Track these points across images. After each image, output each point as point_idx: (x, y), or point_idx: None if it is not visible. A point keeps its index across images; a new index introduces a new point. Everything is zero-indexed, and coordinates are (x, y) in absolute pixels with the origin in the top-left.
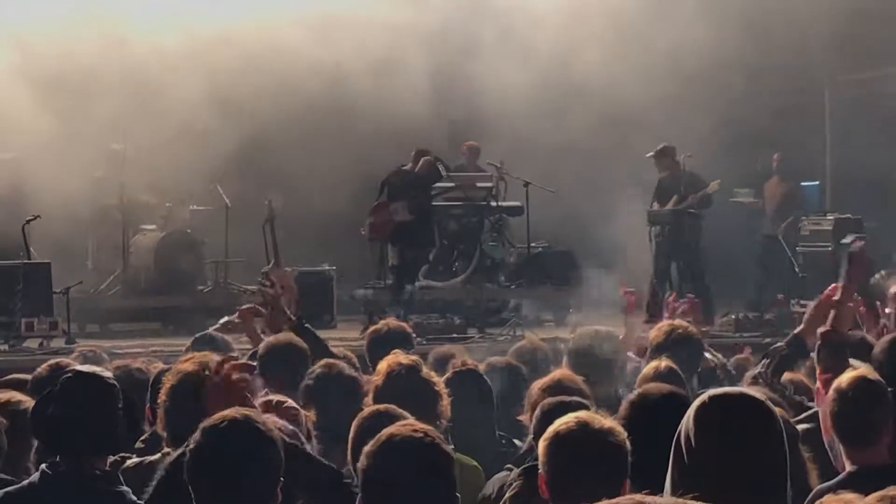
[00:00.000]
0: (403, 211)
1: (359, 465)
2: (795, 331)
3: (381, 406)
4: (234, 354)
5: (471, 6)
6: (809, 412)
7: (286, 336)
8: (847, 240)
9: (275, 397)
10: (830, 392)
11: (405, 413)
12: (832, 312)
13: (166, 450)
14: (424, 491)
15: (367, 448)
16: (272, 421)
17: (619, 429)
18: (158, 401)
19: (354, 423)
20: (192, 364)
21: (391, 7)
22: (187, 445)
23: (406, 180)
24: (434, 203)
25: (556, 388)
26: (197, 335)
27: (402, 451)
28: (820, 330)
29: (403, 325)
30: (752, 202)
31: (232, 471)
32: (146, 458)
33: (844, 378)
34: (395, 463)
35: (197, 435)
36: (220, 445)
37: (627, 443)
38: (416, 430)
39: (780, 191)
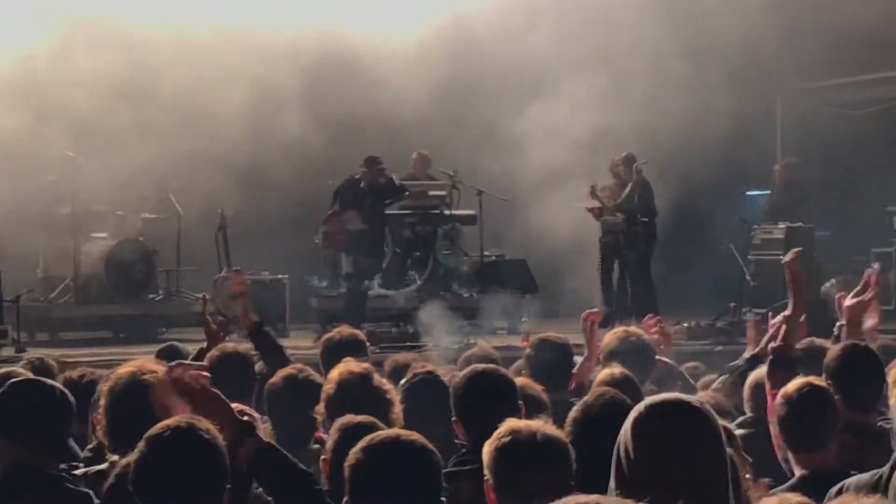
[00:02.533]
0: (356, 220)
1: (347, 464)
2: (754, 351)
3: (362, 418)
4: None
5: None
6: (745, 417)
7: (231, 346)
8: (788, 258)
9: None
10: (778, 398)
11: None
12: (783, 328)
13: (113, 458)
14: (415, 493)
15: (358, 447)
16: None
17: (562, 435)
18: (99, 408)
19: (336, 430)
20: (131, 369)
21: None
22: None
23: (359, 189)
24: (388, 212)
25: None
26: (161, 347)
27: (395, 452)
28: (771, 345)
29: (357, 332)
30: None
31: (176, 480)
32: (93, 467)
33: (792, 385)
34: (388, 464)
35: (141, 444)
36: (164, 454)
37: (571, 449)
38: (407, 435)
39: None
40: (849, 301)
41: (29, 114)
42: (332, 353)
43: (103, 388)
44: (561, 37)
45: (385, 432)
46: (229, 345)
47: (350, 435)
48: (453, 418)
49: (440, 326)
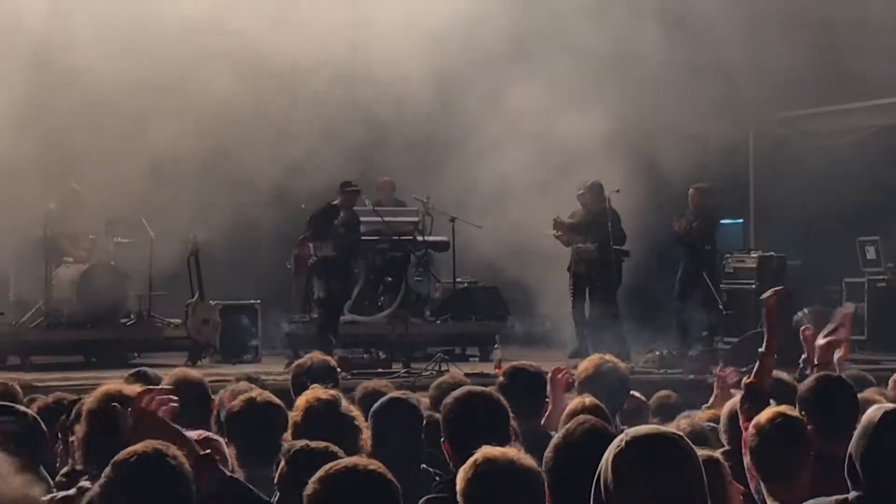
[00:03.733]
0: (326, 246)
1: (305, 495)
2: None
3: (317, 443)
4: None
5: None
6: (724, 450)
7: (181, 372)
8: (766, 295)
9: (194, 432)
10: (750, 428)
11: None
12: (757, 363)
13: (82, 483)
14: None
15: (316, 477)
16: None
17: (533, 462)
18: (75, 433)
19: (286, 459)
20: (110, 393)
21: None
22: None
23: (334, 214)
24: (361, 238)
25: None
26: (132, 372)
27: (353, 482)
28: (744, 380)
29: (328, 359)
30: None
31: None
32: (61, 493)
33: (764, 415)
34: (346, 495)
35: (108, 469)
36: (130, 480)
37: (543, 476)
38: (365, 464)
39: None
40: (821, 340)
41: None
42: (303, 380)
43: (82, 410)
44: (526, 59)
45: (343, 461)
46: (179, 371)
47: (301, 460)
48: (442, 439)
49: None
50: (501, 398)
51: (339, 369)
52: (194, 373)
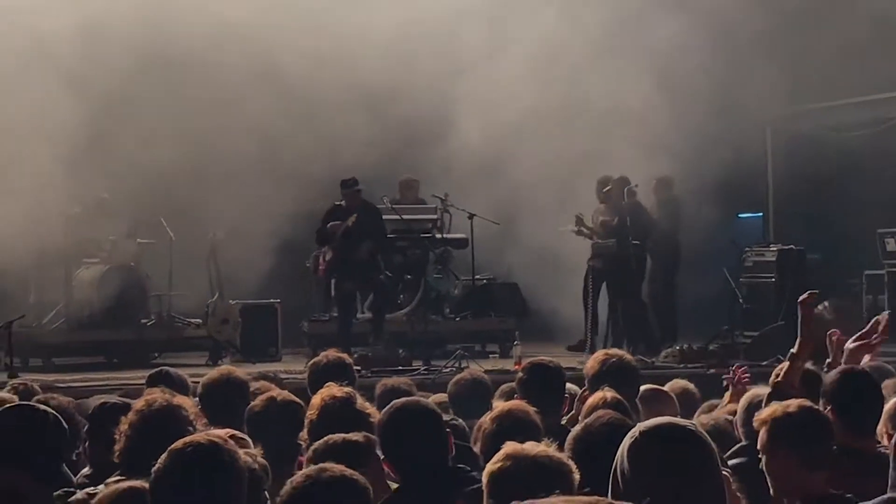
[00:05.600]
0: (327, 252)
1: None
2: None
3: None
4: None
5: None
6: (740, 445)
7: (225, 370)
8: (803, 298)
9: (222, 430)
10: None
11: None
12: (786, 364)
13: (111, 479)
14: None
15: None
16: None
17: (565, 458)
18: (118, 432)
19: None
20: (163, 401)
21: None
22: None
23: (337, 216)
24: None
25: (507, 418)
26: (152, 371)
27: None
28: (772, 380)
29: (343, 356)
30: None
31: (194, 495)
32: (91, 489)
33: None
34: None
35: (164, 455)
36: (183, 468)
37: (575, 471)
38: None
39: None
40: (851, 344)
41: (25, 135)
42: (319, 378)
43: (133, 407)
44: (543, 62)
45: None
46: (223, 369)
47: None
48: (382, 458)
49: None
50: (431, 405)
51: (357, 367)
52: (235, 372)
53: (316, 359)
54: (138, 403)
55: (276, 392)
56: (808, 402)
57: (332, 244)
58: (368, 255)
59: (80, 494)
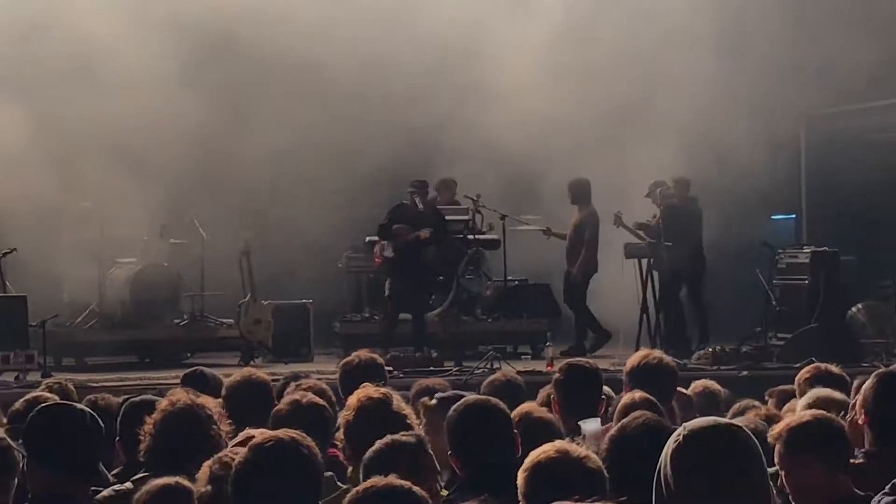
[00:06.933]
0: (388, 247)
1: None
2: None
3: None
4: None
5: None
6: None
7: (248, 372)
8: None
9: (251, 431)
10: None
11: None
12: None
13: (139, 476)
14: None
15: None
16: None
17: (594, 456)
18: (143, 432)
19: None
20: (187, 400)
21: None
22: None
23: (400, 215)
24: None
25: (525, 419)
26: (187, 371)
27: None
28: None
29: (375, 357)
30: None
31: (271, 488)
32: (119, 486)
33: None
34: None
35: (245, 450)
36: (264, 463)
37: (604, 470)
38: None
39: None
40: None
41: (58, 140)
42: (350, 378)
43: (158, 407)
44: (584, 63)
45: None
46: (246, 371)
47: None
48: (448, 452)
49: None
50: (502, 405)
51: (389, 367)
52: (258, 374)
53: (347, 359)
54: (162, 403)
55: (300, 395)
56: (820, 412)
57: (397, 245)
58: (434, 261)
59: (106, 491)
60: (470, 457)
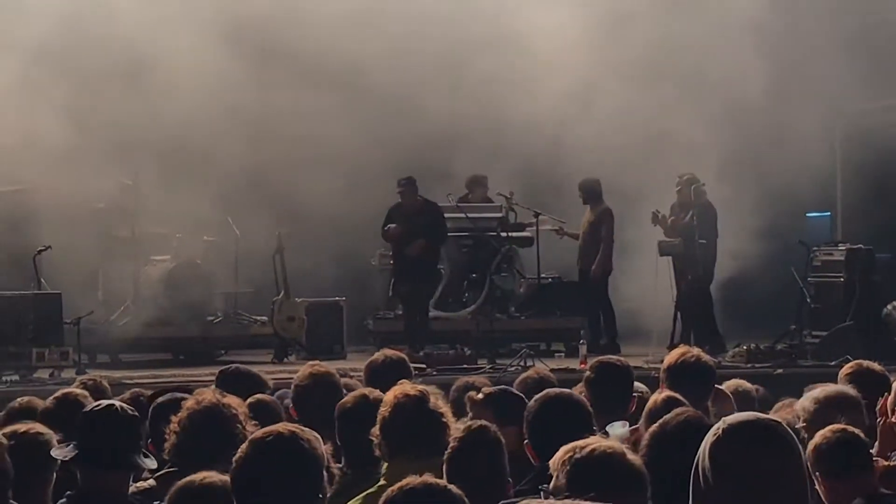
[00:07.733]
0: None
1: None
2: None
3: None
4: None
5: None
6: None
7: (323, 368)
8: None
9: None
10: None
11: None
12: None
13: (162, 472)
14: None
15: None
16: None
17: (634, 454)
18: (170, 428)
19: None
20: (212, 398)
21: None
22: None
23: (402, 212)
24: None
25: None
26: (223, 369)
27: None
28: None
29: (401, 355)
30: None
31: (272, 483)
32: (141, 484)
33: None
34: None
35: (244, 445)
36: (264, 457)
37: (644, 468)
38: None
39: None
40: None
41: (92, 138)
42: (376, 376)
43: (183, 405)
44: (614, 52)
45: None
46: (323, 366)
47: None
48: (525, 441)
49: None
50: (582, 399)
51: (423, 365)
52: (331, 370)
53: (373, 357)
54: (188, 402)
55: (369, 390)
56: (842, 429)
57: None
58: (418, 252)
59: (131, 488)
60: (548, 447)
